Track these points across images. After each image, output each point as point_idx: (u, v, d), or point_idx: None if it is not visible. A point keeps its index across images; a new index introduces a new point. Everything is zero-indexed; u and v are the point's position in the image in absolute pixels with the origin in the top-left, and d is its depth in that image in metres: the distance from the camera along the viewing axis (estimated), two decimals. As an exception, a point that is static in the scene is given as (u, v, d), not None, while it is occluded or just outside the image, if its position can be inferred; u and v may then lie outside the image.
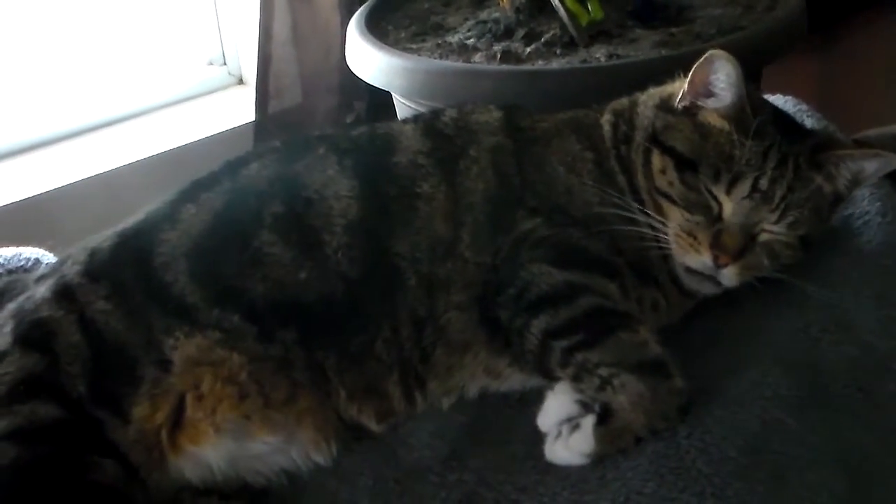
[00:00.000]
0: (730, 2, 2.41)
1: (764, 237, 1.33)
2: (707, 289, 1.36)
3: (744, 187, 1.32)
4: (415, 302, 1.31)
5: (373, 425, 1.32)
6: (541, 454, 1.25)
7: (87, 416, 1.23)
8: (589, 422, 1.21)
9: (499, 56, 2.17)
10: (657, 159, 1.38)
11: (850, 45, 3.31)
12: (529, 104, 1.96)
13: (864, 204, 1.46)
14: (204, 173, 1.43)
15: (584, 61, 2.14)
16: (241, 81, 2.98)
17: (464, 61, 2.18)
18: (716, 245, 1.31)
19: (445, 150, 1.40)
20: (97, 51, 2.75)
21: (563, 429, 1.23)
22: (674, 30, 2.25)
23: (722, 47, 2.07)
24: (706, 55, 1.37)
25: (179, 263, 1.31)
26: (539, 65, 2.14)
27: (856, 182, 1.38)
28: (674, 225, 1.34)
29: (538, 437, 1.27)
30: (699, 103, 1.38)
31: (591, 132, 1.45)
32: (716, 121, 1.37)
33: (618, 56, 2.14)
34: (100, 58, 2.76)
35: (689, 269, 1.34)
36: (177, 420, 1.25)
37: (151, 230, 1.35)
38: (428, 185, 1.36)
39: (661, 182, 1.37)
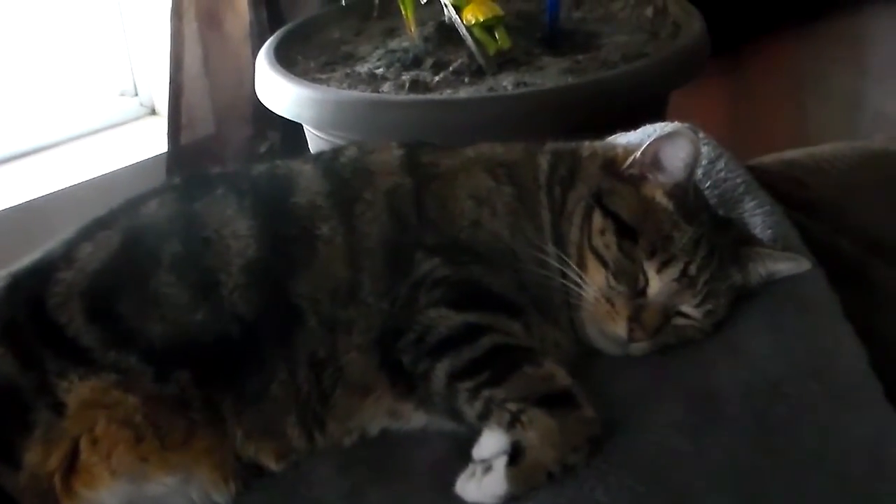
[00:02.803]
0: (635, 29, 2.46)
1: (679, 321, 1.34)
2: (610, 350, 1.36)
3: (675, 270, 1.32)
4: (314, 343, 1.30)
5: (272, 464, 1.30)
6: (442, 486, 1.24)
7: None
8: (501, 463, 1.19)
9: (407, 85, 2.20)
10: (598, 219, 1.36)
11: (754, 67, 3.37)
12: (438, 134, 2.00)
13: (757, 231, 1.48)
14: (106, 210, 1.41)
15: (492, 89, 2.17)
16: (153, 112, 2.96)
17: (373, 91, 2.20)
18: (635, 319, 1.31)
19: (342, 194, 1.38)
20: (7, 81, 2.72)
21: (477, 469, 1.21)
22: (580, 57, 2.30)
23: (627, 75, 2.18)
24: (671, 130, 1.38)
25: (74, 303, 1.28)
26: (447, 93, 2.17)
27: (768, 279, 1.40)
28: (595, 288, 1.33)
29: (440, 469, 1.26)
30: (647, 174, 1.38)
31: (515, 168, 1.43)
32: (660, 198, 1.37)
33: (525, 84, 2.17)
34: (8, 89, 2.73)
35: (600, 330, 1.34)
36: (71, 465, 1.23)
37: (46, 269, 1.32)
38: (327, 227, 1.35)
39: (597, 241, 1.35)
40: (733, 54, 3.24)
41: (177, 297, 1.30)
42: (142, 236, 1.35)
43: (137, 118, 2.94)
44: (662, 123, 1.70)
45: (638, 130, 1.73)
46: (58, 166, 2.68)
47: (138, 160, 2.72)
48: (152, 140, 2.77)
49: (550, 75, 2.22)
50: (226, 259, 1.32)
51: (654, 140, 1.38)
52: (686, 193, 1.37)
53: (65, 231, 1.38)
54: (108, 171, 2.67)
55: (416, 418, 1.32)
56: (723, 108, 3.36)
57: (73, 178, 2.62)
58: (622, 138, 1.71)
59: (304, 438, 1.31)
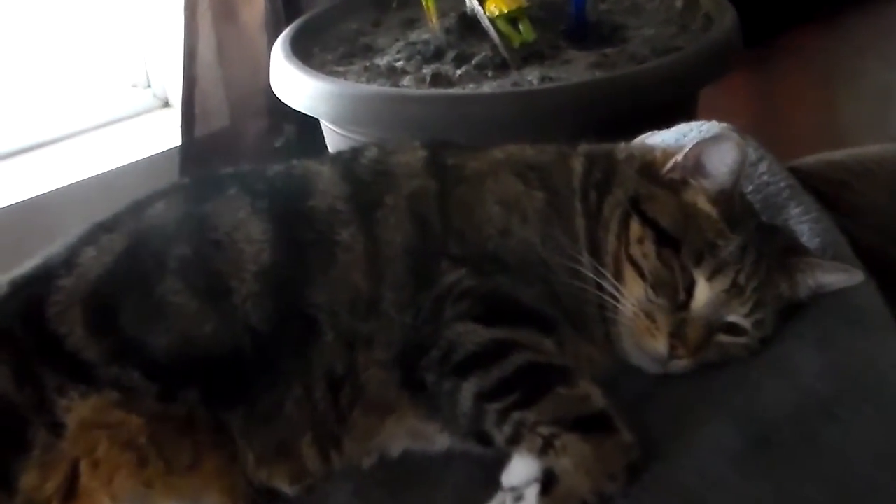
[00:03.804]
0: (664, 21, 2.39)
1: (723, 338, 1.27)
2: (649, 368, 1.28)
3: (726, 279, 1.25)
4: (332, 358, 1.23)
5: (285, 488, 1.23)
6: (468, 513, 1.17)
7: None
8: (532, 492, 1.12)
9: (428, 79, 2.14)
10: (637, 227, 1.29)
11: (783, 61, 3.30)
12: (460, 130, 1.97)
13: (804, 240, 1.40)
14: (121, 205, 1.35)
15: (516, 84, 2.10)
16: (166, 104, 2.91)
17: (392, 85, 2.14)
18: (677, 335, 1.23)
19: (363, 197, 1.31)
20: (17, 74, 2.69)
21: (507, 498, 1.14)
22: (608, 51, 2.23)
23: (658, 70, 2.10)
24: (716, 133, 1.32)
25: (75, 313, 1.21)
26: (470, 88, 2.10)
27: (817, 291, 1.32)
28: (633, 300, 1.26)
29: (465, 495, 1.19)
30: (689, 179, 1.31)
31: (546, 171, 1.36)
32: (703, 204, 1.29)
33: (551, 79, 2.11)
34: (20, 81, 2.70)
35: (638, 346, 1.27)
36: (70, 489, 1.15)
37: (46, 276, 1.25)
38: (346, 233, 1.27)
39: (635, 250, 1.28)
40: (762, 48, 3.16)
41: (184, 306, 1.23)
42: (148, 240, 1.28)
43: (150, 110, 2.91)
44: (698, 123, 1.63)
45: (672, 129, 1.65)
46: (69, 160, 2.65)
47: (151, 153, 2.69)
48: (165, 133, 2.74)
49: (577, 70, 2.15)
50: (238, 265, 1.25)
51: (698, 143, 1.31)
52: (731, 200, 1.30)
53: (73, 229, 1.32)
54: (120, 165, 2.64)
55: (440, 440, 1.25)
56: (751, 104, 3.29)
57: (85, 172, 2.59)
58: (655, 137, 1.64)
59: (321, 460, 1.24)
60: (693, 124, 1.62)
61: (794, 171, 1.56)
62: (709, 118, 1.62)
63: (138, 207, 1.33)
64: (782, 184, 1.49)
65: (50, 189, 2.52)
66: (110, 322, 1.22)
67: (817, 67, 3.41)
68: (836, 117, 3.28)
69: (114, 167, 2.62)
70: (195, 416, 1.20)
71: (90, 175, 2.58)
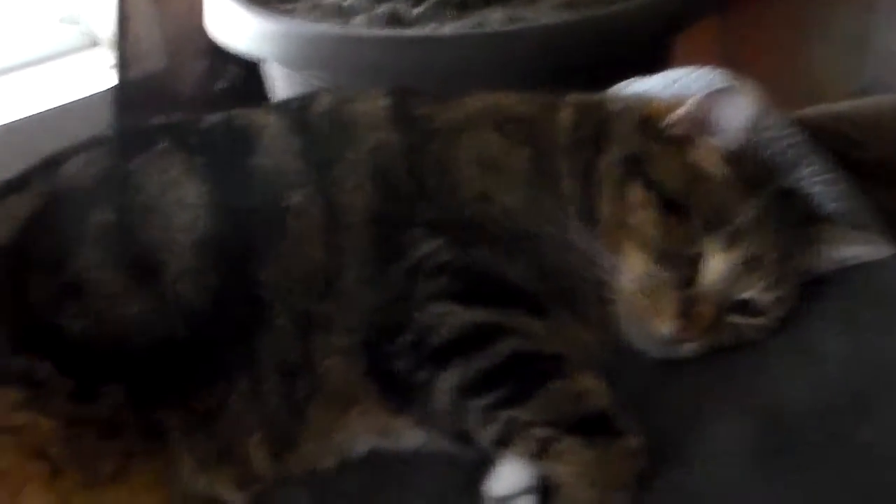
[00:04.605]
0: (639, -42, 2.23)
1: (736, 318, 1.13)
2: (652, 352, 1.13)
3: (741, 250, 1.11)
4: (284, 345, 1.07)
5: (230, 496, 1.07)
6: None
7: None
8: None
9: (384, 19, 1.97)
10: (638, 192, 1.14)
11: (750, 7, 3.19)
12: (418, 76, 1.82)
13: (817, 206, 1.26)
14: (37, 159, 1.19)
15: (479, 25, 1.95)
16: (95, 43, 2.71)
17: (343, 24, 1.97)
18: (684, 315, 1.09)
19: (317, 154, 1.15)
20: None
21: None
22: (578, -10, 2.07)
23: (628, 12, 1.95)
24: (725, 85, 1.17)
25: None
26: (430, 29, 1.95)
27: (840, 265, 1.19)
28: (633, 276, 1.11)
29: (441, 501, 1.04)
30: (696, 137, 1.17)
31: (530, 125, 1.20)
32: (713, 164, 1.15)
33: (516, 20, 1.96)
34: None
35: (640, 328, 1.12)
36: None
37: None
38: (298, 196, 1.11)
39: (634, 218, 1.13)
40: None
41: (105, 283, 1.06)
42: (61, 203, 1.12)
43: (79, 49, 2.72)
44: (687, 69, 1.47)
45: (658, 76, 1.50)
46: None
47: (81, 97, 2.50)
48: (96, 74, 2.55)
49: (544, 10, 2.01)
50: (169, 234, 1.09)
51: (706, 94, 1.16)
52: (746, 159, 1.16)
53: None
54: (43, 110, 2.44)
55: (411, 437, 1.09)
56: (716, 53, 3.18)
57: (7, 116, 2.39)
58: (638, 85, 1.49)
59: (272, 463, 1.08)
60: (681, 70, 1.47)
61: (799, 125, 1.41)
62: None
63: (51, 163, 1.17)
64: (790, 140, 1.33)
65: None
66: (15, 303, 1.06)
67: (787, 14, 3.29)
68: (810, 66, 3.18)
69: (36, 111, 2.43)
70: (120, 418, 1.04)
71: (9, 120, 2.39)
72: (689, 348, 1.11)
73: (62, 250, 1.08)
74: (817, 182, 1.28)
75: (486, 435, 1.01)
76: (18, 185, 1.14)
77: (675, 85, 1.43)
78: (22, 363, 1.02)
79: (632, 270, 1.11)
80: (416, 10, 1.99)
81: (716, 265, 1.10)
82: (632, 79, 1.51)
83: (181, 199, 1.10)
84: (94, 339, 1.04)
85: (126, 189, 1.12)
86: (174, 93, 2.53)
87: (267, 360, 1.07)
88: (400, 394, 1.06)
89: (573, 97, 1.26)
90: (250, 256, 1.09)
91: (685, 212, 1.12)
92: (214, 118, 1.22)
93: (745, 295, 1.12)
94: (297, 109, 1.23)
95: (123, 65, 2.46)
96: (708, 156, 1.16)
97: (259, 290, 1.07)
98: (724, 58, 3.17)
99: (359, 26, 1.96)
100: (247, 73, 2.46)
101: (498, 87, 1.27)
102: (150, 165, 1.13)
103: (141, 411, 1.04)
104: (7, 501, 0.98)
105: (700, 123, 1.16)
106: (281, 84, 2.14)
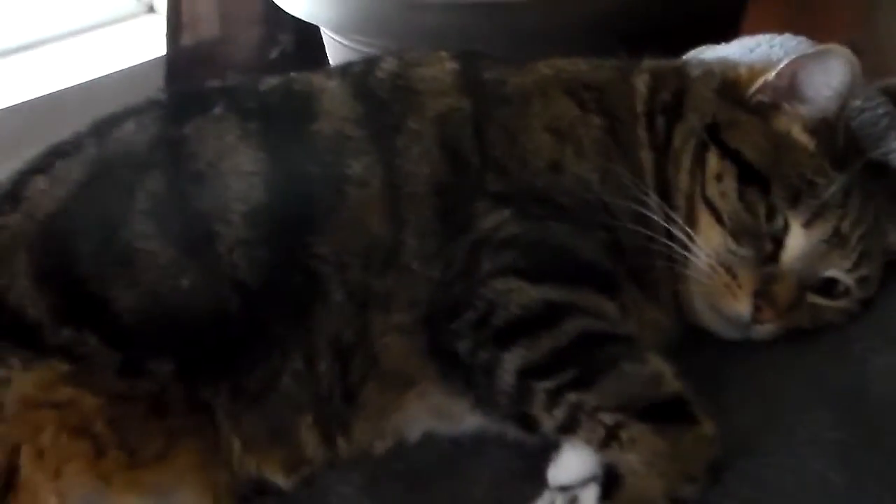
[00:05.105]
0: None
1: (817, 300, 1.09)
2: (726, 334, 1.09)
3: (826, 226, 1.06)
4: (340, 322, 1.03)
5: (278, 479, 1.04)
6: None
7: None
8: (591, 496, 0.94)
9: None
10: (715, 161, 1.10)
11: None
12: (482, 41, 1.75)
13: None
14: (100, 117, 1.15)
15: None
16: (151, 9, 2.73)
17: None
18: (763, 294, 1.04)
19: (380, 120, 1.11)
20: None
21: (557, 500, 0.96)
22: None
23: None
24: (821, 49, 1.12)
25: (19, 260, 1.02)
26: None
27: None
28: (709, 251, 1.07)
29: (500, 491, 1.00)
30: (782, 103, 1.12)
31: (605, 92, 1.16)
32: (799, 134, 1.11)
33: None
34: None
35: (714, 307, 1.08)
36: (8, 482, 0.95)
37: None
38: (359, 165, 1.07)
39: (712, 190, 1.09)
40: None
41: (156, 254, 1.03)
42: (112, 169, 1.09)
43: (134, 16, 2.72)
44: (768, 36, 1.45)
45: (733, 43, 1.47)
46: (41, 69, 2.46)
47: (134, 63, 2.51)
48: (149, 41, 2.56)
49: None
50: (224, 203, 1.06)
51: (796, 59, 1.11)
52: (835, 130, 1.11)
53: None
54: (98, 76, 2.45)
55: (470, 420, 1.06)
56: (785, 22, 3.10)
57: (60, 83, 2.40)
58: (710, 52, 1.44)
59: (323, 446, 1.05)
60: (759, 37, 1.45)
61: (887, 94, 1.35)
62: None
63: (103, 128, 1.14)
64: (880, 111, 1.28)
65: (19, 101, 2.33)
66: (63, 272, 1.03)
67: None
68: (884, 37, 3.09)
69: (91, 78, 2.44)
70: (167, 395, 1.01)
71: (66, 86, 2.40)
72: (765, 330, 1.07)
73: (111, 220, 1.05)
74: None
75: (550, 420, 0.97)
76: (68, 150, 1.11)
77: (752, 54, 1.40)
78: (67, 335, 0.99)
79: (708, 245, 1.07)
80: (482, -25, 1.96)
81: (797, 241, 1.06)
82: (703, 47, 1.47)
83: (237, 167, 1.07)
84: (143, 311, 1.02)
85: (179, 155, 1.09)
86: (227, 61, 2.52)
87: (321, 338, 1.03)
88: (461, 374, 1.02)
89: (648, 63, 1.21)
90: (307, 228, 1.05)
91: (766, 183, 1.08)
92: (273, 81, 1.18)
93: (828, 274, 1.08)
94: (359, 74, 1.19)
95: (176, 32, 2.46)
96: (793, 125, 1.11)
97: (315, 264, 1.04)
98: (792, 28, 3.11)
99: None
100: (300, 42, 2.48)
101: (569, 53, 1.23)
102: (204, 130, 1.10)
103: (189, 389, 1.01)
104: (46, 482, 0.95)
105: (788, 90, 1.12)
106: (334, 54, 2.11)
